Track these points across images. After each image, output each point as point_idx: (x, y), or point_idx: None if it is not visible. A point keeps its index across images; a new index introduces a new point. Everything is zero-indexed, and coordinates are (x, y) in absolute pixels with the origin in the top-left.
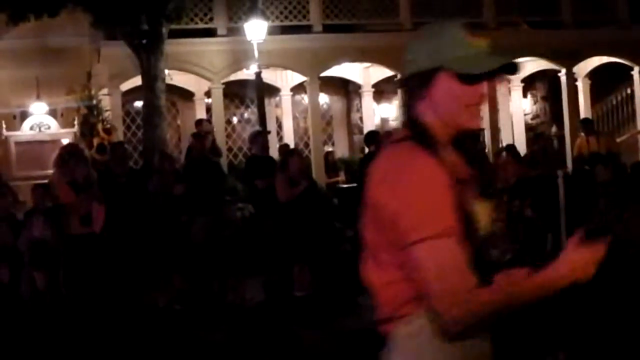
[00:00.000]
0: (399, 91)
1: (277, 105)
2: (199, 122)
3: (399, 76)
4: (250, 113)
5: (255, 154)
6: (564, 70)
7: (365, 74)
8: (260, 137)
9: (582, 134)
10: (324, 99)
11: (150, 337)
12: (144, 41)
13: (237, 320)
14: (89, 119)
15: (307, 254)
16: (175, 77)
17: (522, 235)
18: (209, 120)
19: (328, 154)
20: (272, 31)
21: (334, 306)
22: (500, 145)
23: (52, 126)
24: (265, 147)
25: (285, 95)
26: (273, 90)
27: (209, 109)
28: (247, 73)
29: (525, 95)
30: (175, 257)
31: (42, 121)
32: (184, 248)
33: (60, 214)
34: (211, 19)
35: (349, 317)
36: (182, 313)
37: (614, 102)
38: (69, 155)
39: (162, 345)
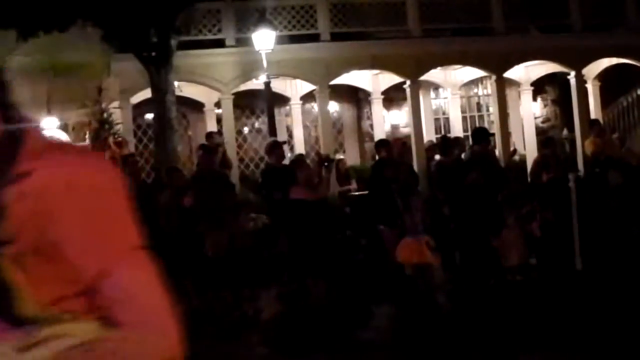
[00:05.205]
0: (409, 98)
1: (288, 115)
2: (209, 136)
3: (408, 83)
4: (261, 123)
5: (271, 164)
6: (573, 73)
7: (374, 81)
8: (276, 147)
9: (593, 136)
10: (334, 107)
11: None
12: (154, 54)
13: (253, 332)
14: (100, 133)
15: (321, 264)
16: (185, 89)
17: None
18: (219, 133)
19: (339, 162)
20: (280, 41)
21: (349, 315)
22: (512, 149)
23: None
24: (282, 157)
25: (295, 105)
26: (283, 100)
27: (219, 120)
28: (257, 83)
29: (535, 99)
30: (189, 270)
31: (53, 135)
32: (198, 261)
33: None
34: (219, 30)
35: (364, 326)
36: (197, 325)
37: (625, 104)
38: None
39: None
